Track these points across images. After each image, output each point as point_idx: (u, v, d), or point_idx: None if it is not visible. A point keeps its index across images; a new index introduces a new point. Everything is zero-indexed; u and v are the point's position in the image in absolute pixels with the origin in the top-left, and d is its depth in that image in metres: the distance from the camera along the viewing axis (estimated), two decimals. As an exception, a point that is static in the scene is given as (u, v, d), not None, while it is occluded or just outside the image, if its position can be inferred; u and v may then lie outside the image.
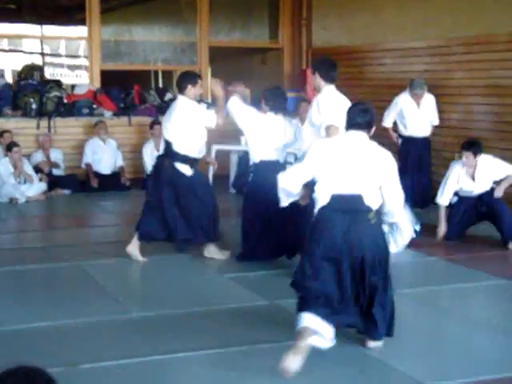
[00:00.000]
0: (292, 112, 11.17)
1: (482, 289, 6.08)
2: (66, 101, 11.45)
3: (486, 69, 9.09)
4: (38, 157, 10.74)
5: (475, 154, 7.51)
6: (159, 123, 11.05)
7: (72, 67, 21.32)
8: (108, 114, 11.57)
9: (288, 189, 4.65)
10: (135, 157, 11.29)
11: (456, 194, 7.70)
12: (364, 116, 4.49)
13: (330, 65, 6.11)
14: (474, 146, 7.56)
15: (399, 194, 4.56)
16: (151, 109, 11.90)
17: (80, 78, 19.46)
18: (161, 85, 16.57)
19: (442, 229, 7.60)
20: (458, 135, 9.19)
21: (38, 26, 17.96)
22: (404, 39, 10.31)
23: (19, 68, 12.34)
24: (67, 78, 19.78)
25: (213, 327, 4.93)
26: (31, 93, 11.24)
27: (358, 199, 4.33)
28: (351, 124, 4.51)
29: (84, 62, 18.29)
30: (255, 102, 12.03)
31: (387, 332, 4.50)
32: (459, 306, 5.61)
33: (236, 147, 10.82)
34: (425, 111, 9.30)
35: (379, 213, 4.45)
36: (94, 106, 11.57)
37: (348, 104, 5.52)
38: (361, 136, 4.47)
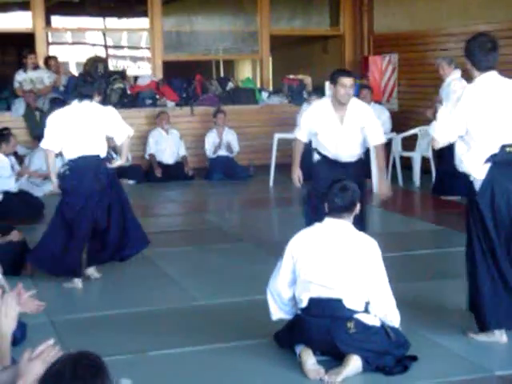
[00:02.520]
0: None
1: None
2: (129, 92, 11.60)
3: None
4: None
5: None
6: (222, 112, 11.12)
7: (134, 59, 21.52)
8: (171, 104, 11.66)
9: (277, 295, 4.20)
10: (198, 146, 11.35)
11: None
12: (343, 196, 4.03)
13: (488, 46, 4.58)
14: None
15: (388, 294, 4.07)
16: (213, 98, 11.94)
17: (142, 70, 19.65)
18: (222, 74, 16.64)
19: None
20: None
21: (101, 19, 18.21)
22: (468, 23, 10.11)
23: (83, 60, 12.52)
24: (130, 69, 19.98)
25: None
26: (95, 85, 11.40)
27: (337, 303, 3.96)
28: (330, 208, 4.06)
29: (146, 53, 18.44)
30: (316, 91, 12.08)
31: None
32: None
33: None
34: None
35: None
36: (157, 97, 11.68)
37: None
38: (342, 224, 4.05)
